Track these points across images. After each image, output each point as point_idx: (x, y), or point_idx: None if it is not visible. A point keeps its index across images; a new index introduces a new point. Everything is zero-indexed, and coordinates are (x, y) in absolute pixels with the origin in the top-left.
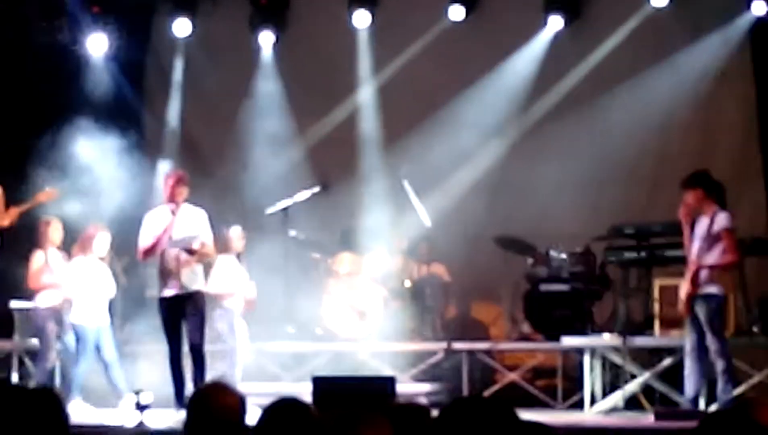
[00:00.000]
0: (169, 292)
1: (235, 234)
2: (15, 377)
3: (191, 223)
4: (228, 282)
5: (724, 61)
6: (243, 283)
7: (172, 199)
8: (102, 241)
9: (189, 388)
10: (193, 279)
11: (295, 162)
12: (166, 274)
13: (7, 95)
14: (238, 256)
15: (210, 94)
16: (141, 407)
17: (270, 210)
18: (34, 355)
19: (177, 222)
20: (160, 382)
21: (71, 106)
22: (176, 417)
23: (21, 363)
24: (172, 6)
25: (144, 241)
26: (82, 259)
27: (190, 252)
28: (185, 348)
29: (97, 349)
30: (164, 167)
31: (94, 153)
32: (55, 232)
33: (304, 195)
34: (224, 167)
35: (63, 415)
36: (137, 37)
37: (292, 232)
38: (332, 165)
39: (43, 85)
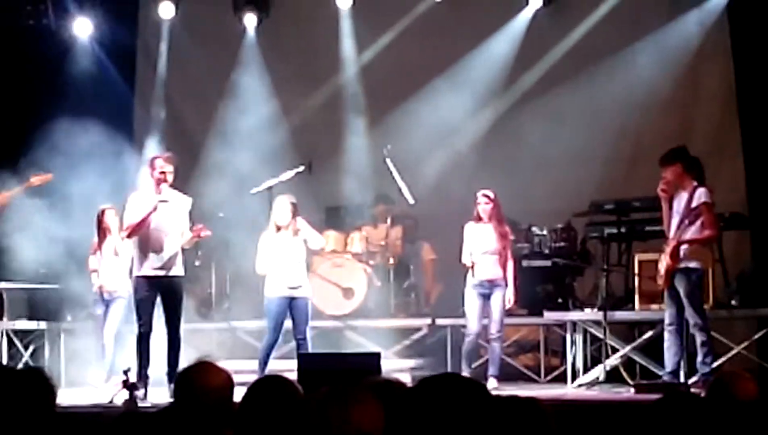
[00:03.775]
0: (149, 272)
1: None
2: (4, 359)
3: (177, 207)
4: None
5: (702, 38)
6: None
7: (159, 180)
8: (278, 210)
9: (152, 368)
10: (174, 263)
11: (280, 142)
12: (147, 254)
13: None
14: None
15: (196, 76)
16: (129, 386)
17: (255, 189)
18: (22, 334)
19: (164, 204)
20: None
21: (58, 90)
22: (164, 396)
23: (11, 344)
24: None
25: (131, 218)
26: (268, 232)
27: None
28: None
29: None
30: (152, 149)
31: (82, 136)
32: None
33: (288, 174)
34: (210, 147)
35: (51, 396)
36: (124, 19)
37: None
38: (316, 144)
39: (29, 68)
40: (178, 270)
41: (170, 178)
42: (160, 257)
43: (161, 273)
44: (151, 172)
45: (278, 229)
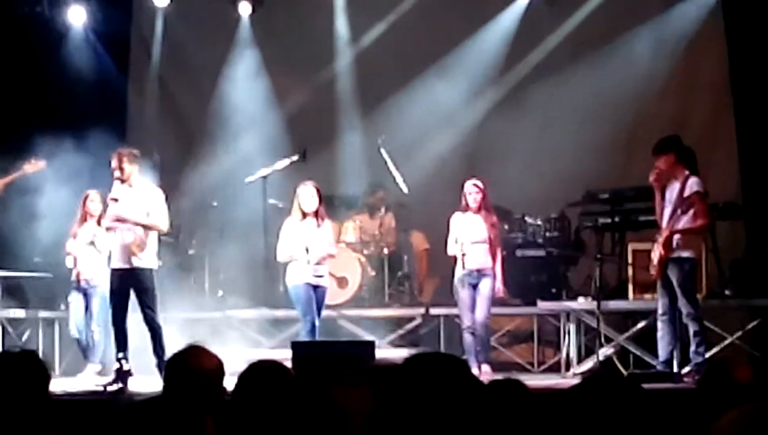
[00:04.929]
0: (117, 264)
1: None
2: None
3: (140, 199)
4: None
5: (698, 28)
6: None
7: (118, 176)
8: (305, 197)
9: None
10: (140, 255)
11: (274, 130)
12: (114, 248)
13: None
14: None
15: (190, 64)
16: (123, 374)
17: (249, 178)
18: (16, 323)
19: (122, 198)
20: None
21: (52, 78)
22: (156, 383)
23: (4, 332)
24: None
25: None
26: (292, 220)
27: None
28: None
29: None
30: (146, 137)
31: (76, 124)
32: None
33: (283, 163)
34: (204, 136)
35: (44, 379)
36: (118, 7)
37: (271, 200)
38: (311, 133)
39: (23, 56)
40: (142, 262)
41: (120, 173)
42: (120, 251)
43: (124, 266)
44: None
45: (304, 216)
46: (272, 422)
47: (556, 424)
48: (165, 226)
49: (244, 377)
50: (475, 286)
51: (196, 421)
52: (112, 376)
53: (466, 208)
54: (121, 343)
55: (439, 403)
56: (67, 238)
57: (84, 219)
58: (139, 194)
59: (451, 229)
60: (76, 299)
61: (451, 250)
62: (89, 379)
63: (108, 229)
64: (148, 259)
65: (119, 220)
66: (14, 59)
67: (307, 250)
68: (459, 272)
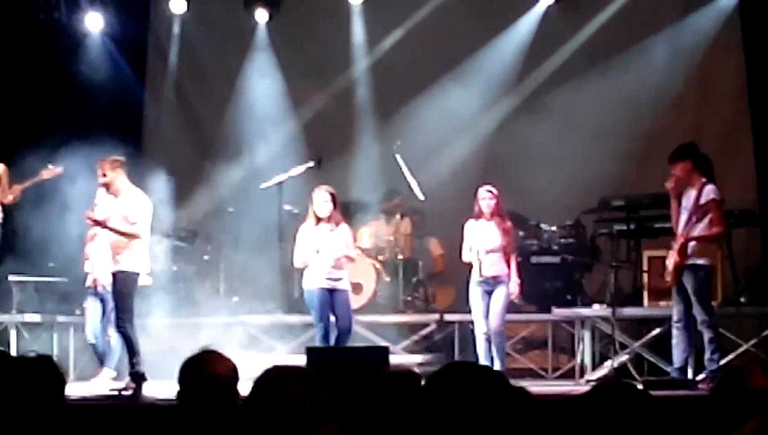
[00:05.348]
0: (111, 268)
1: None
2: (14, 351)
3: (120, 206)
4: None
5: (714, 36)
6: None
7: (101, 183)
8: (319, 202)
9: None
10: (116, 259)
11: (290, 137)
12: (108, 252)
13: (6, 73)
14: None
15: (207, 71)
16: (137, 378)
17: (265, 184)
18: (32, 327)
19: (101, 205)
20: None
21: (70, 84)
22: (171, 388)
23: (19, 336)
24: None
25: None
26: (307, 225)
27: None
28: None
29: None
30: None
31: (93, 130)
32: None
33: (298, 169)
34: (221, 142)
35: (60, 384)
36: (135, 14)
37: (287, 206)
38: (326, 140)
39: (40, 62)
40: (120, 265)
41: (104, 180)
42: (109, 255)
43: (111, 268)
44: None
45: (318, 220)
46: (286, 428)
47: (563, 432)
48: (140, 233)
49: (258, 382)
50: (489, 293)
51: None
52: (126, 381)
53: (480, 215)
54: (131, 347)
55: (480, 414)
56: (83, 243)
57: None
58: (120, 201)
59: (466, 237)
60: (92, 304)
61: (466, 257)
62: (104, 384)
63: (91, 236)
64: (128, 262)
65: (95, 223)
66: (32, 65)
67: (318, 253)
68: (474, 279)
